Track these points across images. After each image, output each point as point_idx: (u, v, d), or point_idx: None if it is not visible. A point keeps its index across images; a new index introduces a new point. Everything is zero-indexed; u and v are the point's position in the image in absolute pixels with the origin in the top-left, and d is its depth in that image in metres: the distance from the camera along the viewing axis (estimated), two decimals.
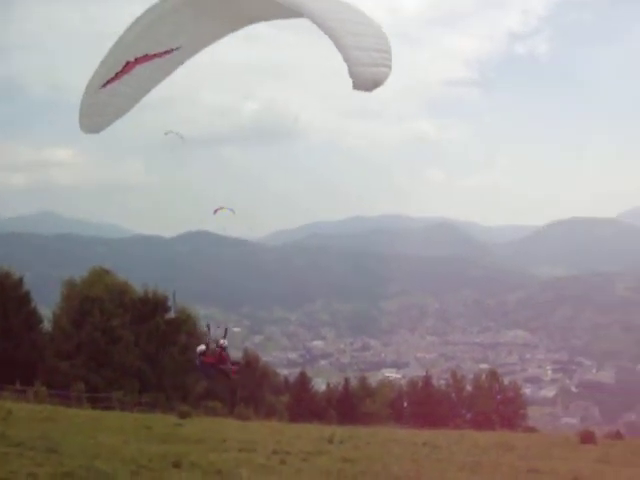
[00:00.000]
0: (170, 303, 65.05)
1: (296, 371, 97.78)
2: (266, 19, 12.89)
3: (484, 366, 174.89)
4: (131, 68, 12.84)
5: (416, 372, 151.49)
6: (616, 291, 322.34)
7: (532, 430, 64.94)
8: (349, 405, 71.32)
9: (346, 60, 9.48)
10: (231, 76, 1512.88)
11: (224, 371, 19.56)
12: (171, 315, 64.95)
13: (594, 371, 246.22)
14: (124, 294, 63.45)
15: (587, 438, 36.57)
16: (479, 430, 52.17)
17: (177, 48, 12.98)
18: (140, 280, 68.79)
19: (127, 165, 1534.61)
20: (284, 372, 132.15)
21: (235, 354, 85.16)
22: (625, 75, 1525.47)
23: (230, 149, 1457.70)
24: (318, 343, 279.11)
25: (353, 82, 9.48)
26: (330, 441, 31.21)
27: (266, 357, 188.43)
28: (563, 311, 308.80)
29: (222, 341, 18.91)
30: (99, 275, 64.40)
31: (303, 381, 75.93)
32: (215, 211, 17.95)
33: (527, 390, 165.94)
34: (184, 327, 65.01)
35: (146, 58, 12.83)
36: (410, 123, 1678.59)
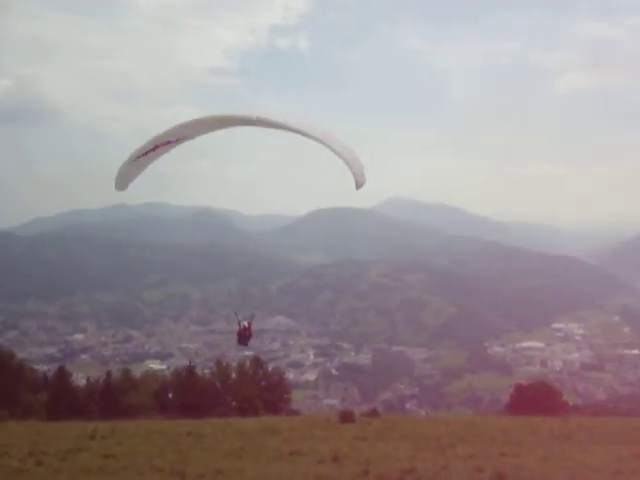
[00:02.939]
0: None
1: (55, 367, 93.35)
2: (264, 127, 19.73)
3: (249, 353, 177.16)
4: (155, 149, 20.13)
5: (181, 362, 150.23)
6: (371, 277, 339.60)
7: (295, 413, 66.89)
8: (112, 399, 69.19)
9: (354, 175, 18.50)
10: None
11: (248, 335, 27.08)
12: None
13: (353, 354, 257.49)
14: None
15: (346, 417, 38.18)
16: (244, 417, 52.81)
17: (184, 137, 20.37)
18: None
19: None
20: (43, 368, 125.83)
21: None
22: (380, 71, 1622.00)
23: None
24: (78, 336, 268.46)
25: (356, 186, 18.65)
26: (92, 437, 30.23)
27: (22, 353, 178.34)
28: (323, 297, 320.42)
29: (247, 321, 27.40)
30: None
31: (62, 376, 72.63)
32: None
33: (290, 375, 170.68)
34: None
35: (166, 143, 20.14)
36: (171, 109, 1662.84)
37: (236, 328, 27.74)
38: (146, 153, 20.14)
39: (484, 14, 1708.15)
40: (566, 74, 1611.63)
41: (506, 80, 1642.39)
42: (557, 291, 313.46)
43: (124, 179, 21.19)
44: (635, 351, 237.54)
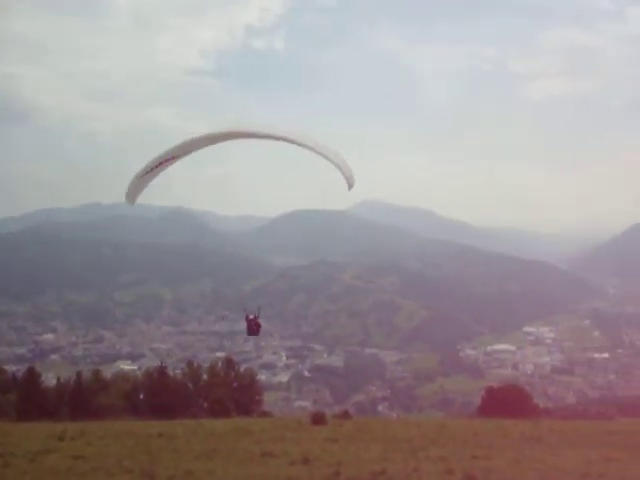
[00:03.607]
0: None
1: (25, 367, 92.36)
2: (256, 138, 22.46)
3: (221, 354, 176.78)
4: (160, 165, 22.81)
5: (152, 363, 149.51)
6: (344, 279, 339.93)
7: (267, 415, 66.75)
8: (82, 400, 68.53)
9: (346, 178, 21.35)
10: None
11: (257, 325, 28.71)
12: None
13: (325, 356, 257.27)
14: None
15: (318, 419, 38.21)
16: (216, 418, 52.65)
17: (183, 154, 22.79)
18: None
19: None
20: (12, 368, 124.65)
21: None
22: (356, 72, 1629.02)
23: None
24: (49, 336, 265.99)
25: (348, 187, 21.56)
26: (61, 438, 29.95)
27: None
28: (296, 299, 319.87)
29: (255, 314, 28.97)
30: None
31: (31, 377, 71.84)
32: None
33: (263, 376, 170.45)
34: None
35: (170, 159, 22.78)
36: (147, 109, 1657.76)
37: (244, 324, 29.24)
38: (152, 170, 23.00)
39: (462, 18, 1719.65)
40: (543, 80, 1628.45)
41: (483, 84, 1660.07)
42: (529, 295, 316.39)
43: (134, 194, 23.90)
44: (605, 354, 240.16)
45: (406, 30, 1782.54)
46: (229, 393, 71.71)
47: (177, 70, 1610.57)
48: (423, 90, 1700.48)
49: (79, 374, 74.46)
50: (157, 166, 22.91)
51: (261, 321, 29.37)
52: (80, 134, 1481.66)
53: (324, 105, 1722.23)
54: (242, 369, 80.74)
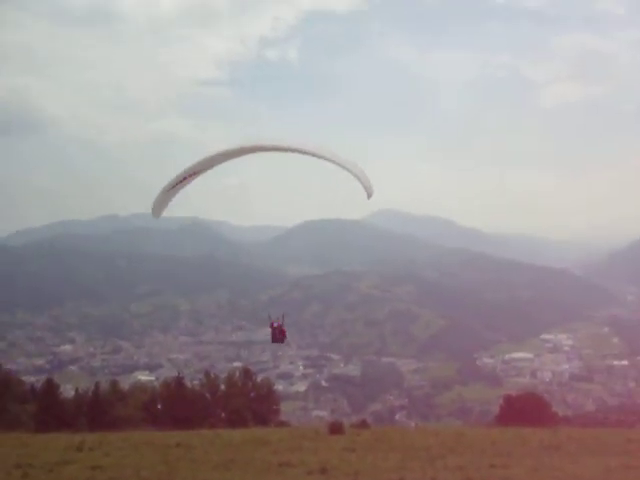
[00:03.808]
0: None
1: (43, 378, 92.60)
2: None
3: (238, 364, 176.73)
4: (184, 180, 24.18)
5: (170, 373, 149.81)
6: (360, 289, 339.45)
7: (284, 424, 66.70)
8: (100, 410, 68.68)
9: (365, 188, 22.33)
10: None
11: (282, 333, 29.87)
12: None
13: (342, 365, 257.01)
14: None
15: (335, 429, 38.05)
16: (234, 428, 52.62)
17: (206, 168, 24.16)
18: None
19: None
20: (31, 379, 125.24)
21: None
22: (370, 80, 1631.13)
23: None
24: (67, 347, 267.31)
25: (368, 197, 22.30)
26: (79, 449, 29.99)
27: (11, 364, 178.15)
28: (312, 309, 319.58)
29: (280, 321, 30.08)
30: None
31: (50, 388, 72.15)
32: None
33: (280, 386, 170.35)
34: None
35: (193, 175, 24.18)
36: (162, 120, 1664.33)
37: (269, 331, 30.02)
38: (176, 185, 24.33)
39: (473, 25, 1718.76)
40: (555, 86, 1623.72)
41: (495, 91, 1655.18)
42: (546, 302, 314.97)
43: (159, 208, 25.51)
44: (624, 362, 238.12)
45: (417, 38, 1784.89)
46: (246, 403, 71.69)
47: (190, 81, 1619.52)
48: (434, 97, 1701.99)
49: (97, 385, 74.71)
50: (182, 180, 23.84)
51: (285, 328, 29.84)
52: (90, 146, 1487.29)
53: (337, 114, 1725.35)
54: (259, 379, 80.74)
